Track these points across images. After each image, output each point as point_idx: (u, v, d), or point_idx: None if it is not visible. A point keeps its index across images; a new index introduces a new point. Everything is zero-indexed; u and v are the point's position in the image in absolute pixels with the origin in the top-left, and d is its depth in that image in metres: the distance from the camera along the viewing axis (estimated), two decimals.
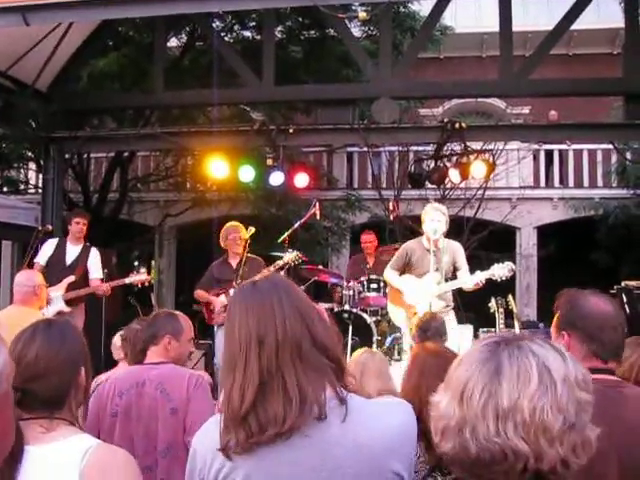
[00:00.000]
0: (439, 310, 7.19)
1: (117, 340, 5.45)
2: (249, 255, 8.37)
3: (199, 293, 8.68)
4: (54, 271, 8.16)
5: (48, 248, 8.45)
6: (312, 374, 1.79)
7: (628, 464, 2.17)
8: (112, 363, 8.57)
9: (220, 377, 1.89)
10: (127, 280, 8.38)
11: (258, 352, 1.80)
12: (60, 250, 8.44)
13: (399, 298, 7.70)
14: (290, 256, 8.19)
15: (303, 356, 1.80)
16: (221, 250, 8.82)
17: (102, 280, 8.55)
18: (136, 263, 20.02)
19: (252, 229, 8.20)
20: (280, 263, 8.18)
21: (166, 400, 3.55)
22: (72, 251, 8.49)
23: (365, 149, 16.03)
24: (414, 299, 7.49)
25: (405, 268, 7.71)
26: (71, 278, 8.08)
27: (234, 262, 8.50)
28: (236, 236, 8.45)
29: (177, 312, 4.10)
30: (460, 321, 10.18)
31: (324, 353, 1.83)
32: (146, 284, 8.62)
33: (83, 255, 8.49)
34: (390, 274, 7.79)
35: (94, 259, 8.56)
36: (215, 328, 8.64)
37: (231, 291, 8.12)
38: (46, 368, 2.23)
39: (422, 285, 7.47)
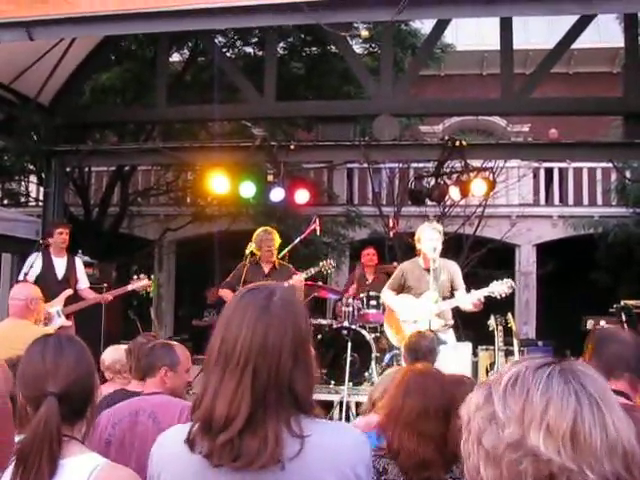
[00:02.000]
0: (438, 329, 7.20)
1: (108, 357, 5.31)
2: (281, 262, 8.36)
3: (224, 292, 8.41)
4: (47, 286, 7.91)
5: (35, 264, 8.24)
6: (283, 416, 1.82)
7: None
8: None
9: (204, 368, 1.90)
10: (130, 287, 8.37)
11: (252, 379, 1.82)
12: (48, 264, 8.28)
13: (395, 319, 7.71)
14: (323, 264, 8.19)
15: (281, 399, 1.83)
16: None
17: (92, 289, 8.55)
18: (135, 276, 20.00)
19: (252, 245, 8.20)
20: (312, 271, 8.17)
21: (157, 429, 3.54)
22: (60, 264, 8.35)
23: (365, 165, 16.07)
24: (412, 317, 7.48)
25: (401, 289, 7.71)
26: (69, 292, 8.01)
27: (266, 267, 8.41)
28: (271, 245, 8.34)
29: (174, 342, 4.13)
30: (459, 339, 10.20)
31: (294, 398, 1.85)
32: (148, 290, 8.66)
33: (71, 267, 8.41)
34: (387, 294, 7.78)
35: (80, 268, 8.51)
36: None
37: None
38: (77, 378, 2.24)
39: (420, 304, 7.46)
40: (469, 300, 7.33)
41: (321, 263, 8.28)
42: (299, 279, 7.95)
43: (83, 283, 8.49)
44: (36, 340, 2.38)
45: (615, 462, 1.13)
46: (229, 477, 1.79)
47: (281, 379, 1.83)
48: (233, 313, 1.92)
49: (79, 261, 8.59)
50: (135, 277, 8.48)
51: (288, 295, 1.98)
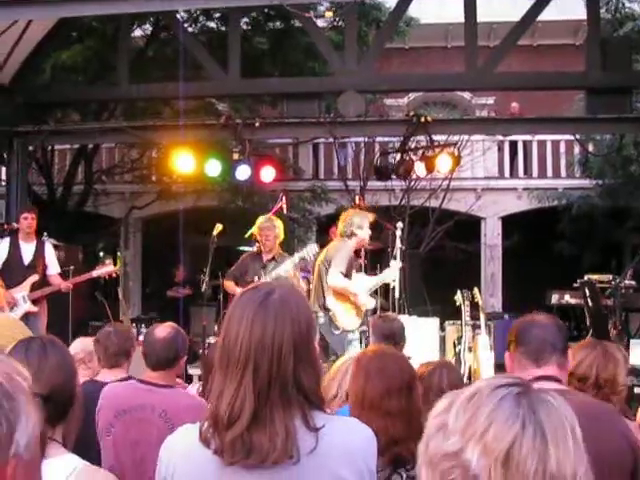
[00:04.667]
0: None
1: (76, 347, 5.15)
2: (282, 253, 8.30)
3: (227, 284, 8.40)
4: (13, 272, 7.91)
5: (1, 249, 8.13)
6: (291, 411, 1.85)
7: None
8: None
9: (215, 369, 1.94)
10: (94, 273, 8.26)
11: (253, 376, 1.85)
12: (14, 250, 8.13)
13: (348, 300, 7.68)
14: (309, 248, 8.15)
15: (287, 394, 1.86)
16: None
17: (62, 274, 8.43)
18: (101, 254, 19.91)
19: (219, 226, 8.15)
20: (300, 256, 8.12)
21: (168, 430, 3.52)
22: (27, 249, 8.18)
23: (331, 140, 16.05)
24: (365, 299, 7.64)
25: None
26: (35, 277, 7.90)
27: (265, 257, 8.33)
28: (269, 234, 8.26)
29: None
30: (426, 314, 10.31)
31: (302, 393, 1.88)
32: (113, 275, 8.53)
33: (39, 252, 8.22)
34: (342, 278, 7.55)
35: (50, 254, 8.33)
36: None
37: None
38: (60, 381, 2.24)
39: (363, 285, 7.66)
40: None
41: (305, 249, 8.23)
42: (286, 269, 7.90)
43: (53, 269, 8.31)
44: (19, 343, 2.37)
45: None
46: (246, 477, 1.82)
47: (283, 375, 1.85)
48: (233, 313, 1.96)
49: (49, 246, 8.42)
50: (101, 264, 8.37)
51: (287, 293, 2.00)
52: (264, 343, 1.85)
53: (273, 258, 8.24)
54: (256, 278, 7.92)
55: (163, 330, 3.95)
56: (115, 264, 8.51)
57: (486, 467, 1.14)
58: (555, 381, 2.66)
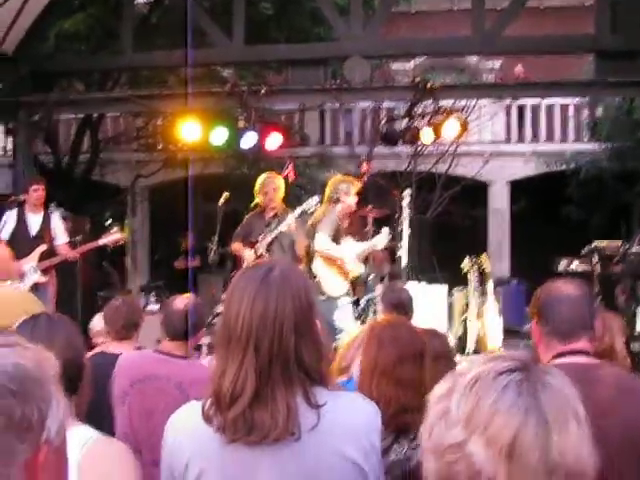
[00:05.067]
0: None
1: (97, 324, 5.32)
2: (286, 208, 8.23)
3: (234, 246, 8.39)
4: (20, 244, 7.86)
5: (9, 221, 8.16)
6: (293, 388, 1.86)
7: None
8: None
9: (215, 345, 1.96)
10: (100, 242, 8.25)
11: (254, 353, 1.85)
12: (22, 221, 8.16)
13: (335, 265, 7.69)
14: (311, 201, 8.11)
15: (289, 372, 1.87)
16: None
17: (70, 244, 8.42)
18: (108, 222, 19.92)
19: (226, 194, 8.11)
20: (299, 211, 8.08)
21: (184, 401, 3.52)
22: (34, 220, 8.21)
23: (337, 106, 15.96)
24: (352, 266, 7.66)
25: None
26: (43, 247, 7.91)
27: (268, 214, 8.29)
28: (268, 189, 8.21)
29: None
30: (435, 280, 10.31)
31: (304, 370, 1.88)
32: (120, 242, 8.55)
33: (46, 222, 8.24)
34: (328, 243, 7.55)
35: (57, 224, 8.33)
36: None
37: (258, 246, 8.04)
38: (69, 357, 2.22)
39: (352, 250, 7.69)
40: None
41: (306, 202, 8.20)
42: (287, 223, 7.88)
43: (60, 239, 8.30)
44: (25, 320, 2.37)
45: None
46: (248, 454, 1.84)
47: (285, 352, 1.86)
48: (234, 290, 1.97)
49: (56, 216, 8.42)
50: (108, 232, 8.34)
51: (288, 269, 2.00)
52: (265, 321, 1.86)
53: (275, 215, 8.21)
54: (260, 237, 7.96)
55: (182, 301, 3.99)
56: (122, 232, 8.49)
57: (490, 460, 1.14)
58: (584, 354, 2.58)
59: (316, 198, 8.14)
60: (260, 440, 1.81)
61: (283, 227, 7.84)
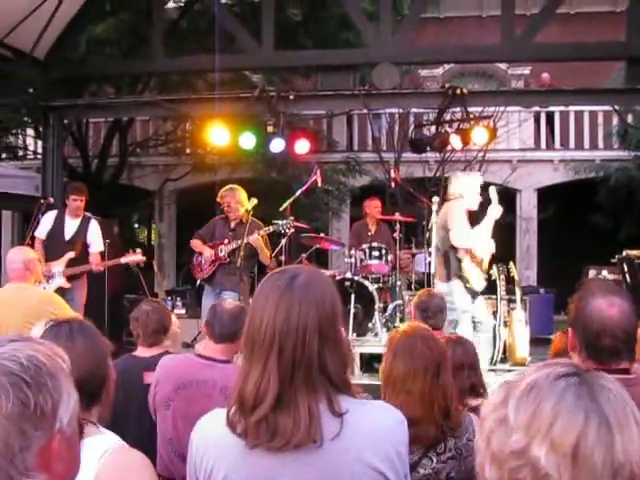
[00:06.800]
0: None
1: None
2: (253, 219, 8.20)
3: (194, 242, 8.56)
4: (54, 246, 8.07)
5: (47, 222, 8.32)
6: (316, 395, 1.85)
7: None
8: (118, 335, 8.67)
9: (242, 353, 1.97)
10: (123, 260, 8.32)
11: (277, 358, 1.84)
12: (59, 224, 8.28)
13: (475, 259, 7.77)
14: (282, 223, 8.16)
15: (311, 378, 1.85)
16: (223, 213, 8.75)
17: (102, 254, 8.50)
18: (136, 225, 20.08)
19: (254, 200, 8.12)
20: (271, 229, 8.15)
21: None
22: (71, 225, 8.32)
23: (365, 111, 15.95)
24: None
25: None
26: (71, 254, 7.97)
27: (233, 222, 8.40)
28: (230, 202, 8.31)
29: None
30: None
31: (327, 377, 1.87)
32: (140, 265, 8.74)
33: (82, 229, 8.32)
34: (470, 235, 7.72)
35: (94, 232, 8.39)
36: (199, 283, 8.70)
37: (221, 248, 8.19)
38: (89, 366, 2.24)
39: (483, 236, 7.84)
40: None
41: (280, 222, 8.22)
42: (254, 237, 7.92)
43: (95, 247, 8.36)
44: (48, 329, 2.39)
45: None
46: (270, 461, 1.83)
47: (308, 358, 1.85)
48: (259, 295, 1.96)
49: (94, 224, 8.45)
50: (130, 251, 8.44)
51: (313, 276, 1.98)
52: (289, 326, 1.85)
53: (241, 222, 8.24)
54: (226, 240, 8.19)
55: (231, 303, 4.05)
56: (150, 238, 8.55)
57: (555, 464, 1.13)
58: (626, 373, 2.49)
59: (289, 221, 8.23)
60: (282, 446, 1.79)
61: (251, 239, 7.89)
